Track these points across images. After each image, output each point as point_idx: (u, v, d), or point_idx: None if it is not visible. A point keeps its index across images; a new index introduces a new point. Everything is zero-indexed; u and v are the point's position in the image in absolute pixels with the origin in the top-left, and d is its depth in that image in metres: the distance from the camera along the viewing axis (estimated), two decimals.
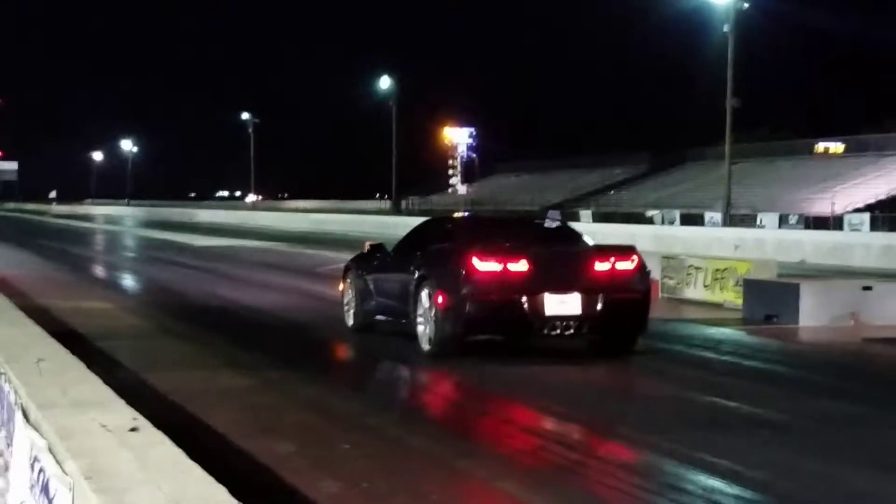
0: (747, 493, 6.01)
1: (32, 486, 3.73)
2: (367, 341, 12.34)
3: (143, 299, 17.84)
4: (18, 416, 4.27)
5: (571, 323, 10.52)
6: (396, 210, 74.87)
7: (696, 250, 31.09)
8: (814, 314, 14.34)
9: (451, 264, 10.65)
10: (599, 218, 58.50)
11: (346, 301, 13.10)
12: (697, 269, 17.78)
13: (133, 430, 3.77)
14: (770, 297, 14.99)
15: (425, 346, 10.82)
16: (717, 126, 48.58)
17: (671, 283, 18.22)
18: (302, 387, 9.30)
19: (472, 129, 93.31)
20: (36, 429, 3.96)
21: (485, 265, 10.40)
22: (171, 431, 3.79)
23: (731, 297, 16.53)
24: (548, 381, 9.83)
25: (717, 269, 17.33)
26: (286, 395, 8.95)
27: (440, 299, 10.49)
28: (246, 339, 12.52)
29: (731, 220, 46.50)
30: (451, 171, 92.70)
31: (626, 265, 10.86)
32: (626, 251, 11.13)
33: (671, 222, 54.54)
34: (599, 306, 10.55)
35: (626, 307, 10.78)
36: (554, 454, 6.97)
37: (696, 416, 8.29)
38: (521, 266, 10.46)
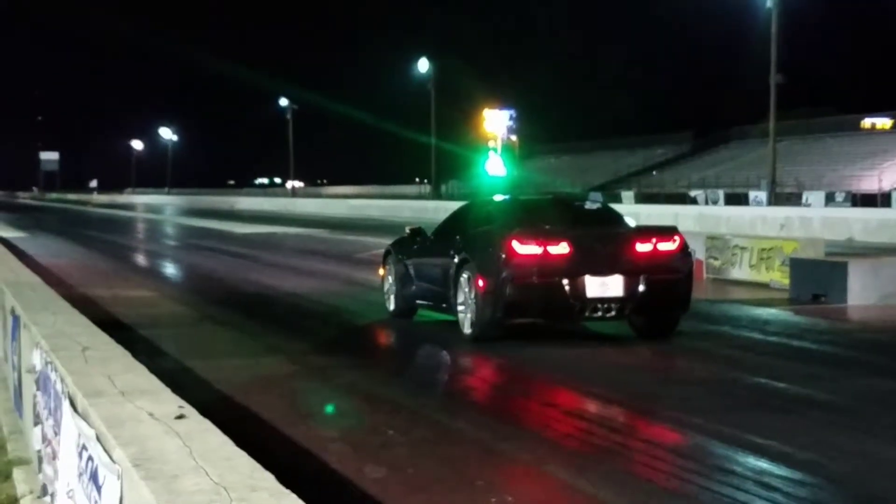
0: (797, 475, 5.92)
1: (81, 474, 3.74)
2: (408, 326, 12.35)
3: (186, 287, 17.99)
4: (66, 404, 4.29)
5: (613, 305, 10.46)
6: (437, 194, 74.83)
7: (741, 230, 30.81)
8: (862, 293, 14.14)
9: (490, 248, 10.59)
10: (642, 199, 58.16)
11: (386, 286, 13.08)
12: (743, 248, 17.58)
13: (180, 417, 3.77)
14: (817, 276, 14.79)
15: (466, 331, 10.81)
16: (762, 103, 47.95)
17: (716, 263, 18.04)
18: (344, 373, 9.32)
19: (511, 112, 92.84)
20: (83, 417, 3.98)
21: (525, 248, 10.32)
22: (217, 419, 3.79)
23: (778, 276, 16.33)
24: (591, 364, 9.77)
25: (763, 249, 17.12)
26: (329, 381, 8.98)
27: (480, 283, 10.45)
28: (288, 325, 12.58)
29: (776, 199, 45.98)
30: (491, 154, 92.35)
31: (667, 246, 10.76)
32: (667, 232, 11.03)
33: (715, 202, 54.06)
34: (641, 288, 10.48)
35: (668, 288, 10.68)
36: (599, 437, 6.92)
37: (745, 397, 8.19)
38: (562, 249, 10.38)
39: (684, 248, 11.01)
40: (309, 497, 2.91)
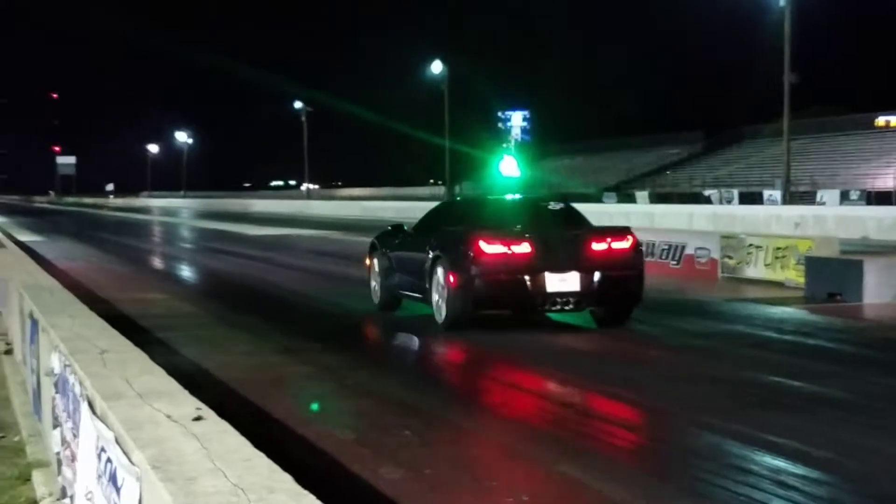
0: (814, 474, 5.91)
1: (100, 477, 3.77)
2: (418, 326, 12.34)
3: (201, 290, 18.05)
4: (84, 407, 4.32)
5: (571, 299, 11.41)
6: (450, 196, 74.74)
7: (755, 229, 30.70)
8: (878, 291, 14.09)
9: (461, 246, 11.57)
10: (656, 199, 57.98)
11: (371, 276, 14.06)
12: (758, 247, 17.53)
13: (197, 419, 3.80)
14: (833, 274, 14.74)
15: (440, 320, 11.76)
16: (775, 102, 47.71)
17: (731, 262, 17.99)
18: (358, 373, 9.34)
19: (525, 112, 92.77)
20: (102, 420, 4.01)
21: (491, 248, 11.31)
22: (233, 420, 3.81)
23: (793, 275, 16.28)
24: (601, 362, 9.77)
25: (778, 248, 17.07)
26: (341, 381, 9.00)
27: (451, 279, 11.44)
28: (301, 326, 12.61)
29: (790, 198, 45.74)
30: (505, 155, 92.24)
31: (621, 244, 11.75)
32: (621, 232, 12.05)
33: (729, 201, 53.83)
34: (596, 283, 11.40)
35: (621, 283, 11.60)
36: (615, 437, 6.92)
37: (760, 396, 8.17)
38: (524, 248, 11.34)
39: (636, 247, 11.93)
40: (327, 498, 2.93)
